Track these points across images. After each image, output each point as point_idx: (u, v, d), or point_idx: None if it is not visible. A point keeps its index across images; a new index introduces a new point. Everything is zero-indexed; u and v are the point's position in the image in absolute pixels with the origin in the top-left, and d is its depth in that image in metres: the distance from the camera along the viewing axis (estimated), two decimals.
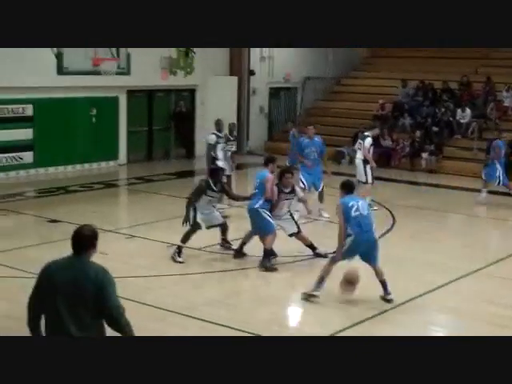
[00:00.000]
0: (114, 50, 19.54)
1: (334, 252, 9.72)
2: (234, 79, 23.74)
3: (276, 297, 9.98)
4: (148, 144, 22.38)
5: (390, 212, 15.07)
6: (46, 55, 17.90)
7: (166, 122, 22.67)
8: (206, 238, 11.69)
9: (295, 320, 9.73)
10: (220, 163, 14.38)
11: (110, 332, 5.41)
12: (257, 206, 11.04)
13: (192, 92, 23.27)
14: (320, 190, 14.66)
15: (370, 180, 15.49)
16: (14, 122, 18.52)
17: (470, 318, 9.29)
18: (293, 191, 11.39)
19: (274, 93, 25.86)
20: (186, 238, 11.26)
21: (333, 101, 26.21)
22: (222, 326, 8.59)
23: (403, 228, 13.91)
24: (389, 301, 9.45)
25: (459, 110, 22.26)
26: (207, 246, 11.93)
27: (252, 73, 24.29)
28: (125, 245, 12.34)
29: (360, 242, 9.37)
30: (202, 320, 8.77)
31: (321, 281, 9.50)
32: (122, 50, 19.70)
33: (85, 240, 5.38)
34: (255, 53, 24.33)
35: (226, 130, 15.29)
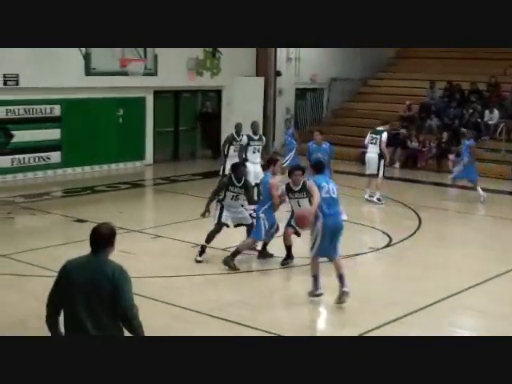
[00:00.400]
0: (141, 50, 19.65)
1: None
2: (261, 80, 23.74)
3: (299, 297, 9.95)
4: (174, 144, 22.47)
5: (416, 213, 14.99)
6: (74, 56, 18.07)
7: (192, 123, 22.74)
8: (231, 238, 11.71)
9: (321, 320, 9.73)
10: (251, 165, 14.19)
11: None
12: (260, 212, 10.97)
13: (218, 93, 23.33)
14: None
15: (381, 174, 15.47)
16: (42, 123, 18.68)
17: (497, 319, 9.20)
18: (303, 189, 10.44)
19: (301, 94, 25.81)
20: (209, 237, 11.27)
21: (359, 102, 26.11)
22: (246, 326, 8.60)
23: (429, 230, 13.83)
24: (344, 293, 9.30)
25: (487, 112, 22.07)
26: (231, 246, 11.94)
27: (278, 73, 24.27)
28: (150, 245, 12.40)
29: (327, 224, 9.33)
30: (225, 320, 8.79)
31: (315, 280, 9.55)
32: (149, 51, 19.80)
33: (103, 238, 5.39)
34: (282, 53, 24.32)
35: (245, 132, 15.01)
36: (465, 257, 12.11)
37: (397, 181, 19.69)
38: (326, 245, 9.37)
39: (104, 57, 18.41)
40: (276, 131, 24.39)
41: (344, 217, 13.83)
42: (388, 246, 12.55)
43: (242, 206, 11.53)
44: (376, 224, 13.10)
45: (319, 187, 9.45)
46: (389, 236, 12.98)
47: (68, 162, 19.29)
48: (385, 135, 15.87)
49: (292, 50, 24.65)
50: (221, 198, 11.28)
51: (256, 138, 14.70)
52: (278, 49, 23.96)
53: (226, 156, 14.85)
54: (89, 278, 5.26)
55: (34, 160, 18.71)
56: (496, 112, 21.92)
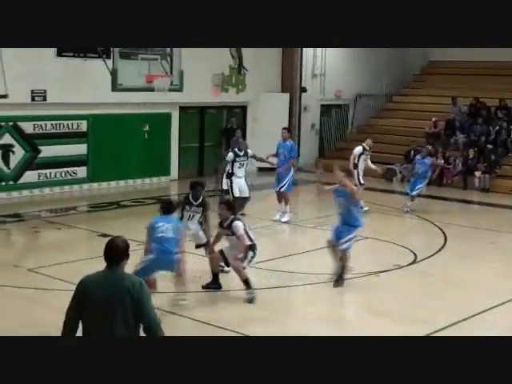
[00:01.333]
0: (167, 66, 19.79)
1: None
2: (286, 96, 23.79)
3: (321, 313, 9.90)
4: (199, 160, 22.54)
5: (442, 231, 14.88)
6: (101, 72, 18.23)
7: (217, 139, 22.82)
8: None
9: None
10: (236, 179, 15.07)
11: None
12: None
13: (244, 108, 23.40)
14: (278, 190, 15.49)
15: (357, 183, 16.04)
16: (69, 138, 18.85)
17: None
18: (230, 226, 10.34)
19: (326, 110, 25.82)
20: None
21: (384, 118, 26.05)
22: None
23: (455, 247, 13.72)
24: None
25: None
26: (254, 262, 11.93)
27: (304, 90, 24.31)
28: None
29: (159, 262, 9.52)
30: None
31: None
32: (175, 67, 19.92)
33: (119, 252, 5.42)
34: (307, 69, 24.37)
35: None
36: (490, 275, 11.98)
37: (423, 197, 19.58)
38: (148, 272, 9.34)
39: (130, 73, 18.56)
40: (301, 147, 24.38)
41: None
42: (413, 263, 12.47)
43: (201, 224, 11.24)
44: (401, 241, 13.02)
45: (153, 227, 9.65)
46: (414, 253, 12.89)
47: (94, 177, 19.44)
48: (357, 148, 17.03)
49: (317, 65, 24.71)
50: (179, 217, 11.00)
51: (241, 154, 15.32)
52: (304, 65, 24.03)
53: (232, 174, 15.43)
54: (108, 292, 5.27)
55: (61, 175, 18.88)
56: None
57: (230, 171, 15.28)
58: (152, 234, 9.62)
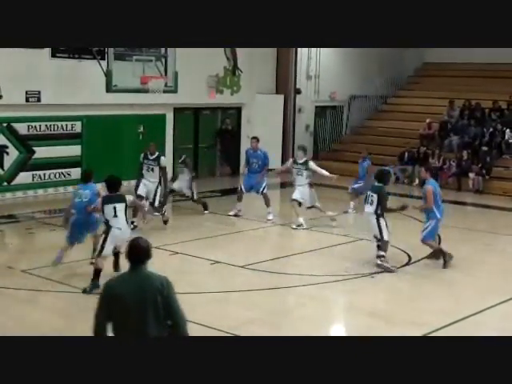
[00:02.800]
0: (161, 68, 19.76)
1: None
2: (281, 97, 23.81)
3: (315, 314, 9.91)
4: (194, 161, 22.49)
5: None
6: (96, 73, 18.19)
7: (211, 140, 22.81)
8: (248, 256, 11.69)
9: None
10: (146, 181, 15.17)
11: None
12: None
13: (238, 110, 23.40)
14: (260, 192, 15.89)
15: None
16: (63, 139, 18.83)
17: None
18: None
19: (320, 111, 25.84)
20: None
21: (379, 120, 26.09)
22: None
23: (448, 249, 13.70)
24: None
25: (508, 130, 21.95)
26: (250, 263, 11.95)
27: (298, 91, 24.33)
28: (168, 261, 12.39)
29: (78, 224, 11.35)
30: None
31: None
32: (170, 68, 19.89)
33: (143, 252, 5.47)
34: (301, 71, 24.39)
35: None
36: (484, 277, 12.00)
37: (416, 199, 19.60)
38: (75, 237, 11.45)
39: (125, 74, 18.51)
40: (295, 149, 24.39)
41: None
42: (407, 264, 12.49)
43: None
44: (395, 242, 13.02)
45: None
46: (408, 255, 12.91)
47: None
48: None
49: (312, 67, 24.73)
50: None
51: (151, 158, 15.37)
52: (298, 66, 24.06)
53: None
54: (138, 292, 5.30)
55: (55, 176, 18.86)
56: None
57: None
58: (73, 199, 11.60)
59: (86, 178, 11.91)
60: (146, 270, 5.45)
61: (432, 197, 11.88)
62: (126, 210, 10.81)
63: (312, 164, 15.31)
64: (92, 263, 10.88)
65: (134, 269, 5.43)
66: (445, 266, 12.16)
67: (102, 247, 10.44)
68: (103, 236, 10.61)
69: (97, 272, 10.28)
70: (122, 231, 10.55)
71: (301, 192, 15.02)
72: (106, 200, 10.76)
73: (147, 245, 5.55)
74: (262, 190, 15.99)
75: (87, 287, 10.26)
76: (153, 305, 5.28)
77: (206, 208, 16.40)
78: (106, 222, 10.64)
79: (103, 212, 10.70)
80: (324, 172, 15.31)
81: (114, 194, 10.92)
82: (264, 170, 16.13)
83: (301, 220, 14.94)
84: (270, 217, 15.74)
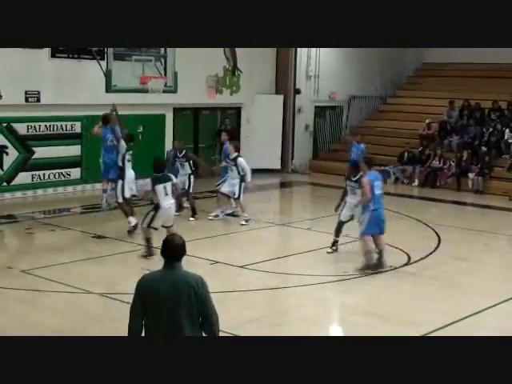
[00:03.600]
0: (161, 68, 19.77)
1: None
2: (280, 97, 23.81)
3: (315, 314, 9.91)
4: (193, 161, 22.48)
5: (436, 232, 14.91)
6: (95, 73, 18.20)
7: (211, 140, 22.81)
8: (247, 256, 11.70)
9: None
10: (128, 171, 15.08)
11: None
12: None
13: (238, 110, 23.40)
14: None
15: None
16: (63, 139, 18.83)
17: None
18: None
19: (320, 111, 25.83)
20: None
21: (378, 120, 26.09)
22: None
23: (448, 249, 13.74)
24: None
25: (507, 130, 21.95)
26: (250, 263, 11.96)
27: (298, 91, 24.33)
28: None
29: None
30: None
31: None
32: (169, 69, 19.90)
33: (179, 249, 5.46)
34: (301, 71, 24.39)
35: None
36: (484, 276, 12.01)
37: (416, 199, 19.64)
38: None
39: (124, 74, 18.53)
40: (295, 149, 24.42)
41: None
42: (406, 264, 12.49)
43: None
44: (395, 243, 13.03)
45: None
46: (408, 255, 12.91)
47: (88, 179, 19.40)
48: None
49: (311, 67, 24.72)
50: None
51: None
52: (298, 66, 24.06)
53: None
54: (171, 289, 5.30)
55: (55, 176, 18.86)
56: None
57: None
58: None
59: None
60: (181, 268, 5.45)
61: (368, 187, 11.66)
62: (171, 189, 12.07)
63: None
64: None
65: (168, 266, 5.43)
66: (377, 266, 11.78)
67: (151, 221, 11.91)
68: (152, 213, 11.93)
69: (148, 240, 11.95)
70: (170, 208, 11.98)
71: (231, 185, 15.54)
72: (157, 181, 11.89)
73: (182, 241, 5.51)
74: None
75: (145, 252, 11.96)
76: (187, 303, 5.29)
77: (194, 213, 15.98)
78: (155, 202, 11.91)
79: (154, 192, 11.88)
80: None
81: (161, 175, 12.12)
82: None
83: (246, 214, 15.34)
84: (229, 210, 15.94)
